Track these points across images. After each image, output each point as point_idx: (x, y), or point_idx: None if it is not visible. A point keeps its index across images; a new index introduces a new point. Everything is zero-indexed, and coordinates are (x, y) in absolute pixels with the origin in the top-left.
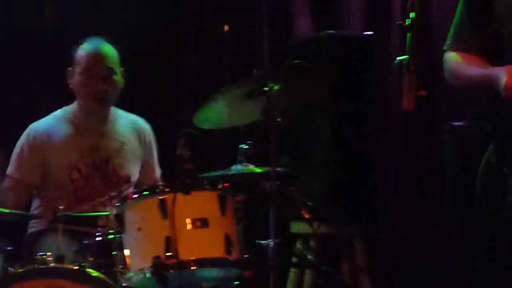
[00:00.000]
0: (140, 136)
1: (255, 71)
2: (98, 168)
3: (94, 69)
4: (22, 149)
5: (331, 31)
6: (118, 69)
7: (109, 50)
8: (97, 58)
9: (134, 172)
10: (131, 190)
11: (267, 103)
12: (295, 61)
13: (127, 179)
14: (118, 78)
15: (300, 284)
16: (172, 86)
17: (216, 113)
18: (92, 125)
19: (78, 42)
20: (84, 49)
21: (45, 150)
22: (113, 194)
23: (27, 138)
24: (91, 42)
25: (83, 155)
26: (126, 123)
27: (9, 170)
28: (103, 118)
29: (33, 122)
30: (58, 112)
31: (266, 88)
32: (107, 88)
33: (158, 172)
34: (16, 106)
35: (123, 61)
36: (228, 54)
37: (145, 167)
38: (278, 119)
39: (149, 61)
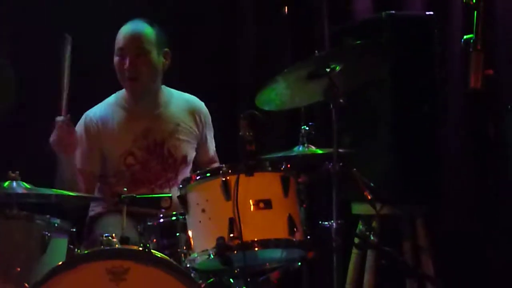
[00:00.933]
0: (195, 115)
1: (316, 52)
2: (153, 152)
3: (125, 49)
4: (80, 138)
5: (392, 12)
6: (156, 49)
7: (145, 30)
8: (129, 38)
9: (190, 152)
10: (188, 170)
11: (329, 84)
12: (357, 42)
13: (184, 160)
14: (154, 57)
15: (362, 265)
16: (232, 68)
17: (278, 95)
18: (144, 108)
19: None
20: (120, 32)
21: (100, 137)
22: (170, 175)
23: (83, 127)
24: (129, 24)
25: (136, 140)
26: (181, 103)
27: None
28: (155, 100)
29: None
30: (111, 98)
31: (328, 69)
32: (137, 68)
33: (212, 150)
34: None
35: (177, 42)
36: (288, 35)
37: (201, 146)
38: (340, 100)
39: (208, 43)
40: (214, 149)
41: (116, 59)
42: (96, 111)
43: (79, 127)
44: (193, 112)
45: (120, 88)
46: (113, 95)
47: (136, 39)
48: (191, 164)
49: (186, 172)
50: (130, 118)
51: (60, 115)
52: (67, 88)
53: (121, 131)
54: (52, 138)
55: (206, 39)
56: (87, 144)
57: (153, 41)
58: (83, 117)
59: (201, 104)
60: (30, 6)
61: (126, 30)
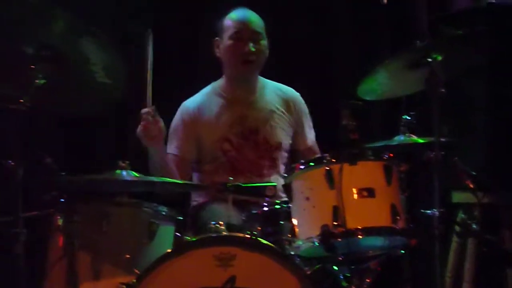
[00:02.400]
0: (289, 103)
1: (418, 42)
2: (248, 138)
3: (242, 32)
4: (177, 127)
5: (492, 1)
6: (264, 35)
7: (255, 16)
8: (245, 22)
9: (284, 139)
10: (284, 157)
11: (429, 74)
12: (459, 32)
13: (278, 146)
14: (264, 43)
15: (463, 253)
16: (331, 58)
17: (379, 84)
18: (240, 96)
19: (222, 14)
20: (231, 17)
21: (198, 125)
22: (268, 164)
23: (180, 115)
24: (238, 11)
25: (232, 126)
26: (274, 91)
27: (169, 148)
28: (251, 88)
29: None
30: (207, 88)
31: (430, 59)
32: (255, 50)
33: (311, 140)
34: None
35: (275, 33)
36: (386, 24)
37: (298, 134)
38: (441, 90)
39: (306, 33)
40: (314, 139)
41: (229, 42)
42: (193, 101)
43: (177, 117)
44: (287, 100)
45: (214, 79)
46: (209, 85)
47: (250, 23)
48: (286, 152)
49: (282, 159)
50: (226, 105)
51: (145, 107)
52: (150, 81)
53: (218, 117)
54: (138, 130)
55: (304, 29)
56: (184, 132)
57: (263, 27)
58: (180, 107)
59: (295, 93)
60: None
61: (239, 15)
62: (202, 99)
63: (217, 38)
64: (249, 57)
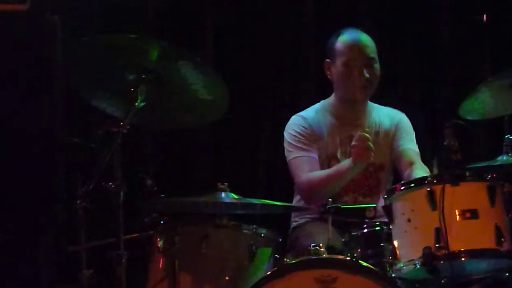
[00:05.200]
0: (395, 125)
1: None
2: None
3: (356, 59)
4: (296, 134)
5: None
6: (377, 59)
7: (368, 40)
8: (358, 48)
9: (388, 160)
10: (388, 178)
11: None
12: None
13: (381, 167)
14: (377, 67)
15: None
16: (432, 77)
17: (481, 103)
18: (350, 116)
19: (332, 35)
20: (344, 41)
21: (312, 138)
22: (372, 184)
23: (298, 124)
24: (349, 33)
25: (341, 145)
26: (381, 113)
27: (291, 156)
28: (361, 110)
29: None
30: (317, 105)
31: None
32: (370, 76)
33: (413, 152)
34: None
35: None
36: (488, 43)
37: (401, 155)
38: None
39: (406, 51)
40: (417, 150)
41: (343, 69)
42: (308, 114)
43: (293, 125)
44: (393, 122)
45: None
46: (318, 103)
47: (363, 48)
48: (389, 173)
49: (387, 181)
50: (338, 124)
51: None
52: None
53: (330, 135)
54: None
55: (404, 48)
56: (303, 139)
57: (375, 50)
58: (296, 117)
59: (402, 116)
60: None
61: (351, 39)
62: (313, 115)
63: (328, 60)
64: (364, 83)
